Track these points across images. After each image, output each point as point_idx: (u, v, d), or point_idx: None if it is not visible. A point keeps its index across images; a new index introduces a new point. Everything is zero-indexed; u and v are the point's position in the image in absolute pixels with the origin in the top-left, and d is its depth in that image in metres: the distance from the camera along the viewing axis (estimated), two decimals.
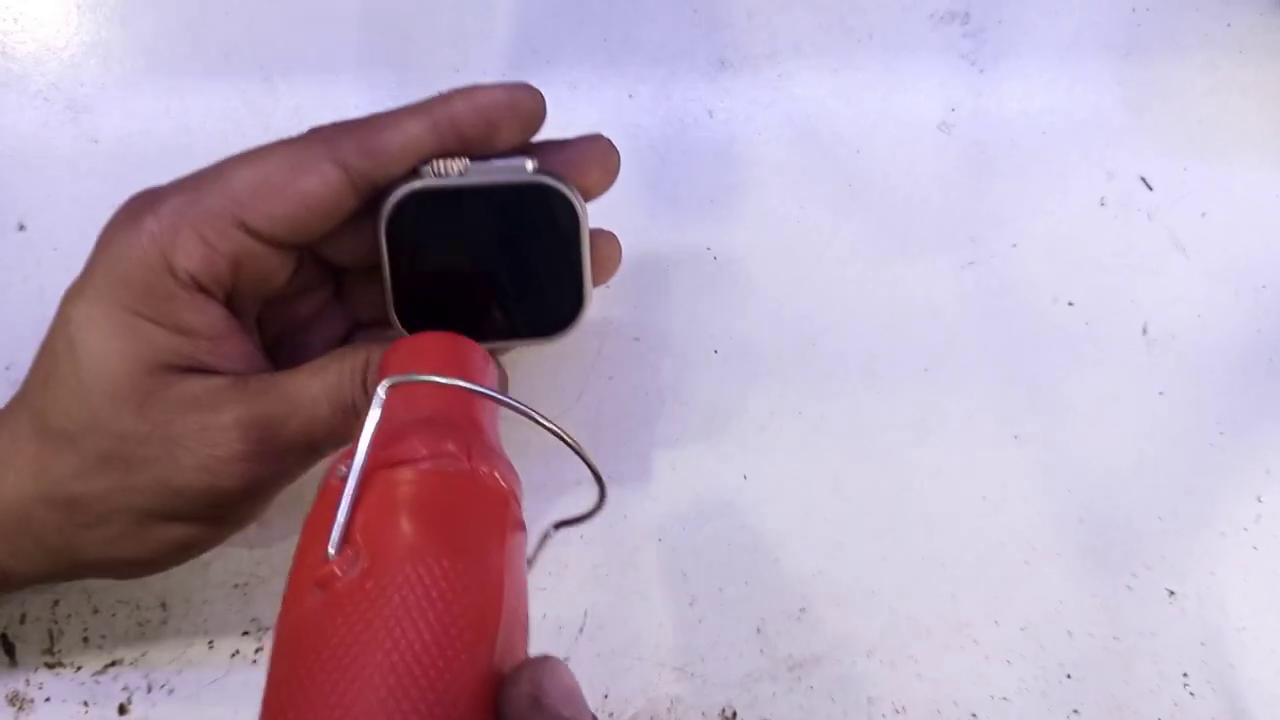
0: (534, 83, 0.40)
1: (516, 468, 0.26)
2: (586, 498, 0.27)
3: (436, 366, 0.26)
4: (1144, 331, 0.39)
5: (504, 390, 0.32)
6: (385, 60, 0.40)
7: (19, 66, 0.40)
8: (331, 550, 0.22)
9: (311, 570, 0.22)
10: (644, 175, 0.39)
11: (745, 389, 0.38)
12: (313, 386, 0.29)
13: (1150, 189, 0.40)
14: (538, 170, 0.30)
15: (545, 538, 0.28)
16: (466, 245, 0.31)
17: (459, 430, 0.25)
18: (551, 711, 0.20)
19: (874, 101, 0.40)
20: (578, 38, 0.40)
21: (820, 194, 0.40)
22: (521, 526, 0.25)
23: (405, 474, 0.23)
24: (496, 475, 0.24)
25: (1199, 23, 0.40)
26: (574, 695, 0.21)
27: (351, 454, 0.23)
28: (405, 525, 0.22)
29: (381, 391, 0.24)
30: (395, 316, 0.32)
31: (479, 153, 0.30)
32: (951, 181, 0.40)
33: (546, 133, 0.32)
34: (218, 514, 0.30)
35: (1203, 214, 0.39)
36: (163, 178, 0.30)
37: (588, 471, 0.25)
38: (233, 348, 0.30)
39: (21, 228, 0.39)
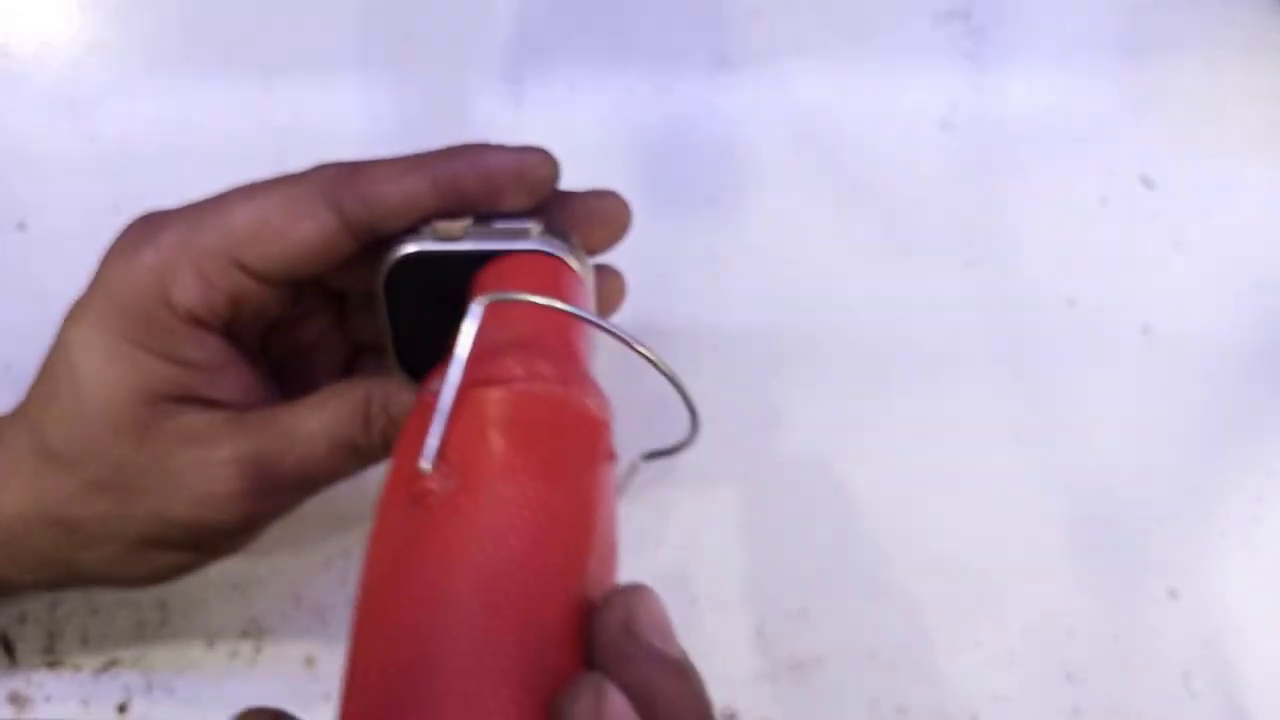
0: (534, 82, 0.41)
1: None
2: (668, 433, 0.26)
3: (532, 286, 0.26)
4: (1144, 331, 0.39)
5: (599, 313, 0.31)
6: (385, 60, 0.40)
7: (19, 66, 0.40)
8: (425, 465, 0.21)
9: (406, 485, 0.21)
10: (644, 175, 0.39)
11: (746, 388, 0.38)
12: (311, 423, 0.29)
13: (1151, 188, 0.40)
14: (540, 235, 0.29)
15: (634, 469, 0.28)
16: (465, 306, 0.31)
17: (553, 353, 0.24)
18: (643, 640, 0.20)
19: (875, 100, 0.40)
20: (578, 37, 0.40)
21: (820, 193, 0.40)
22: (613, 456, 0.25)
23: (499, 393, 0.22)
24: (590, 401, 0.24)
25: (1199, 23, 0.40)
26: (666, 625, 0.21)
27: (445, 370, 0.23)
28: (499, 445, 0.22)
29: (478, 308, 0.23)
30: (398, 366, 0.32)
31: (482, 212, 0.29)
32: (952, 180, 0.40)
33: (548, 136, 0.32)
34: (210, 544, 0.30)
35: (1203, 213, 0.39)
36: (163, 177, 0.30)
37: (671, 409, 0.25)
38: (232, 379, 0.30)
39: (22, 227, 0.39)
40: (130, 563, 0.29)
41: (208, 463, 0.28)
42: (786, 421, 0.38)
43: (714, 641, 0.36)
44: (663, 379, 0.25)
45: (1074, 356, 0.38)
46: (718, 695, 0.35)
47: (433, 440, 0.21)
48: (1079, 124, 0.40)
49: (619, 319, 0.35)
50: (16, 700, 0.36)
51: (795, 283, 0.39)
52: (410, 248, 0.29)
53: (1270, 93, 0.40)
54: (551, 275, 0.28)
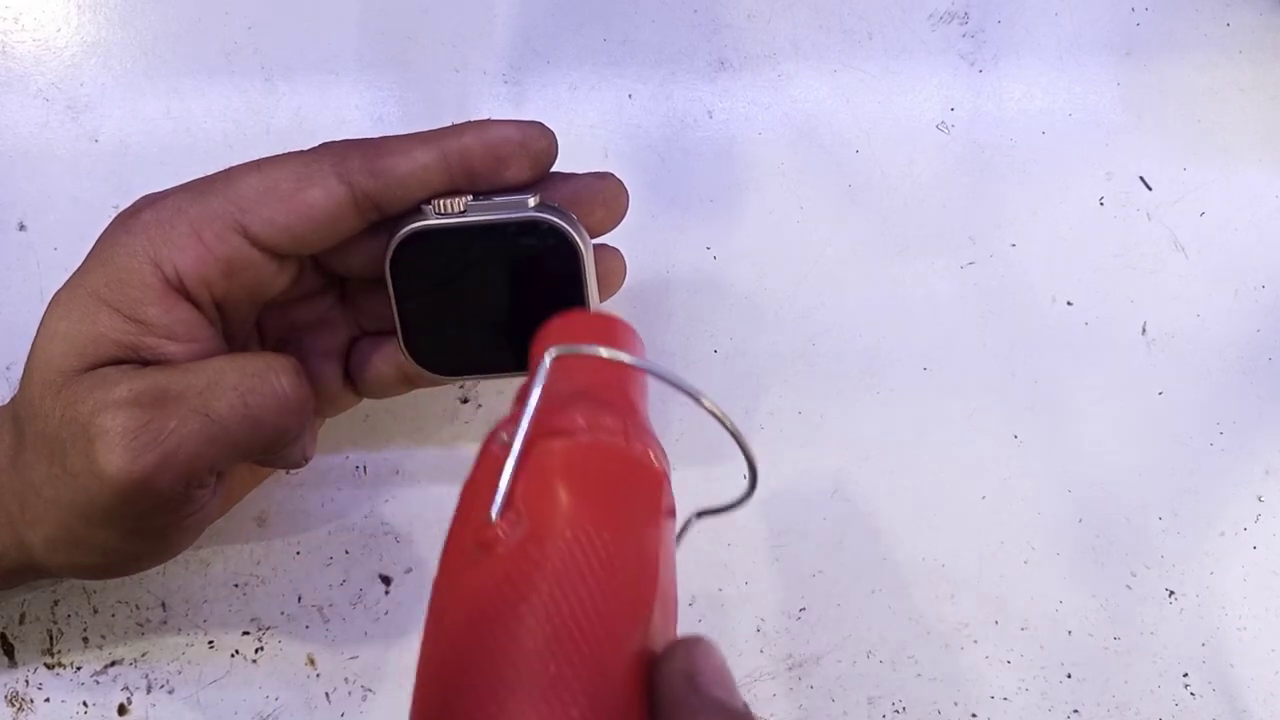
0: (534, 84, 0.41)
1: None
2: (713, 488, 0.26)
3: (596, 340, 0.26)
4: (1143, 331, 0.39)
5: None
6: (386, 61, 0.40)
7: (19, 66, 0.40)
8: (494, 514, 0.22)
9: (474, 532, 0.22)
10: (644, 175, 0.40)
11: (745, 389, 0.38)
12: (220, 361, 0.28)
13: (1149, 189, 0.40)
14: (538, 206, 0.30)
15: (687, 525, 0.28)
16: (470, 281, 0.31)
17: (615, 407, 0.25)
18: (705, 691, 0.20)
19: (873, 102, 0.40)
20: (578, 39, 0.40)
21: (820, 194, 0.40)
22: (673, 511, 0.25)
23: (564, 444, 0.23)
24: (651, 455, 0.24)
25: (1198, 23, 0.41)
26: (727, 677, 0.21)
27: (514, 420, 0.23)
28: (565, 495, 0.22)
29: (548, 359, 0.24)
30: (405, 350, 0.32)
31: (486, 187, 0.30)
32: (951, 181, 0.40)
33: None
34: (148, 517, 0.28)
35: (1202, 213, 0.40)
36: (163, 178, 0.30)
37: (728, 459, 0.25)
38: (192, 351, 0.29)
39: (22, 228, 0.39)
40: (77, 541, 0.28)
41: (105, 402, 0.27)
42: (785, 421, 0.38)
43: (713, 640, 0.36)
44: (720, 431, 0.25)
45: (1072, 357, 0.39)
46: None
47: (501, 489, 0.22)
48: (1077, 125, 0.40)
49: (620, 301, 0.35)
50: (16, 701, 0.36)
51: (794, 283, 0.39)
52: (415, 224, 0.30)
53: (1269, 94, 0.40)
54: (611, 330, 0.28)
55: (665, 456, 0.25)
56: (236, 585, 0.36)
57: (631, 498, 0.23)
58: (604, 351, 0.25)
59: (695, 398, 0.24)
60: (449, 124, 0.30)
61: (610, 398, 0.25)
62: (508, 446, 0.22)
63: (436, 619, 0.21)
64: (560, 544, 0.21)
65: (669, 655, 0.21)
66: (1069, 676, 0.36)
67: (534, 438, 0.23)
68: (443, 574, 0.22)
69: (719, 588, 0.37)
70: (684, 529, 0.28)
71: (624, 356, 0.25)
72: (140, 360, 0.28)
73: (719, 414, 0.25)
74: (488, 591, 0.21)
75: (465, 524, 0.22)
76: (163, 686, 0.36)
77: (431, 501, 0.37)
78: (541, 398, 0.24)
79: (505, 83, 0.40)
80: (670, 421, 0.38)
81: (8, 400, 0.31)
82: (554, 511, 0.22)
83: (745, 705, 0.21)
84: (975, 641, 0.36)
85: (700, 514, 0.28)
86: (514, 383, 0.38)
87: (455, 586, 0.22)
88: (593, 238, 0.32)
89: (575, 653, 0.20)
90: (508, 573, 0.21)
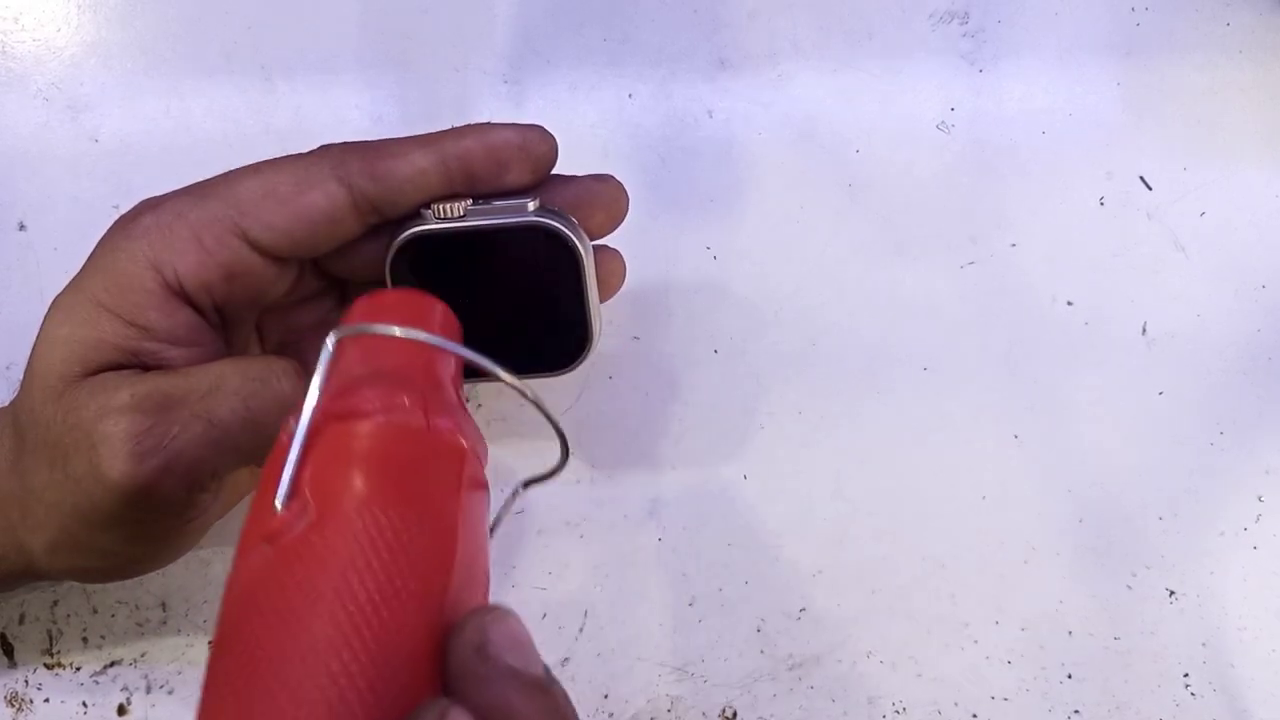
0: (534, 83, 0.41)
1: (501, 434, 0.25)
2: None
3: (397, 321, 0.26)
4: (1143, 331, 0.39)
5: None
6: (385, 61, 0.40)
7: (19, 66, 0.40)
8: (278, 503, 0.21)
9: (260, 524, 0.21)
10: (644, 175, 0.40)
11: (745, 389, 0.38)
12: (221, 365, 0.28)
13: (1149, 188, 0.40)
14: (538, 211, 0.30)
15: (514, 495, 0.28)
16: (470, 285, 0.31)
17: (416, 386, 0.24)
18: (497, 660, 0.20)
19: (873, 101, 0.40)
20: (578, 38, 0.40)
21: (820, 194, 0.40)
22: (481, 485, 0.25)
23: (356, 426, 0.22)
24: (453, 431, 0.24)
25: (1198, 23, 0.41)
26: (522, 644, 0.20)
27: (299, 408, 0.23)
28: (354, 478, 0.21)
29: (330, 342, 0.23)
30: None
31: (485, 190, 0.30)
32: (951, 181, 0.40)
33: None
34: (150, 520, 0.28)
35: (1202, 213, 0.40)
36: (163, 177, 0.30)
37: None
38: (194, 355, 0.29)
39: (22, 227, 0.39)
40: (79, 546, 0.28)
41: (108, 408, 0.27)
42: (785, 421, 0.38)
43: (713, 641, 0.36)
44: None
45: (1073, 357, 0.39)
46: (718, 695, 0.36)
47: (284, 479, 0.21)
48: (1077, 125, 0.40)
49: (620, 301, 0.35)
50: (15, 701, 0.36)
51: (794, 283, 0.39)
52: (415, 229, 0.30)
53: (1269, 94, 0.40)
54: (418, 310, 0.28)
55: (477, 434, 0.25)
56: None
57: (426, 476, 0.22)
58: (397, 330, 0.24)
59: (495, 373, 0.24)
60: (449, 124, 0.30)
61: (411, 376, 0.25)
62: (294, 434, 0.22)
63: (224, 616, 0.21)
64: (345, 530, 0.21)
65: (459, 627, 0.20)
66: (1069, 677, 0.36)
67: (323, 422, 0.22)
68: (234, 565, 0.22)
69: (719, 588, 0.37)
70: (510, 500, 0.28)
71: (415, 334, 0.24)
72: (141, 365, 0.28)
73: (520, 387, 0.24)
74: (270, 586, 0.20)
75: (254, 517, 0.22)
76: (162, 687, 0.36)
77: None
78: (334, 381, 0.23)
79: (505, 83, 0.40)
80: (670, 422, 0.38)
81: (7, 403, 0.31)
82: (340, 496, 0.21)
83: (546, 669, 0.20)
84: (975, 642, 0.36)
85: (526, 483, 0.28)
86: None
87: (241, 582, 0.21)
88: (593, 240, 0.32)
89: (358, 638, 0.19)
90: (291, 565, 0.20)
